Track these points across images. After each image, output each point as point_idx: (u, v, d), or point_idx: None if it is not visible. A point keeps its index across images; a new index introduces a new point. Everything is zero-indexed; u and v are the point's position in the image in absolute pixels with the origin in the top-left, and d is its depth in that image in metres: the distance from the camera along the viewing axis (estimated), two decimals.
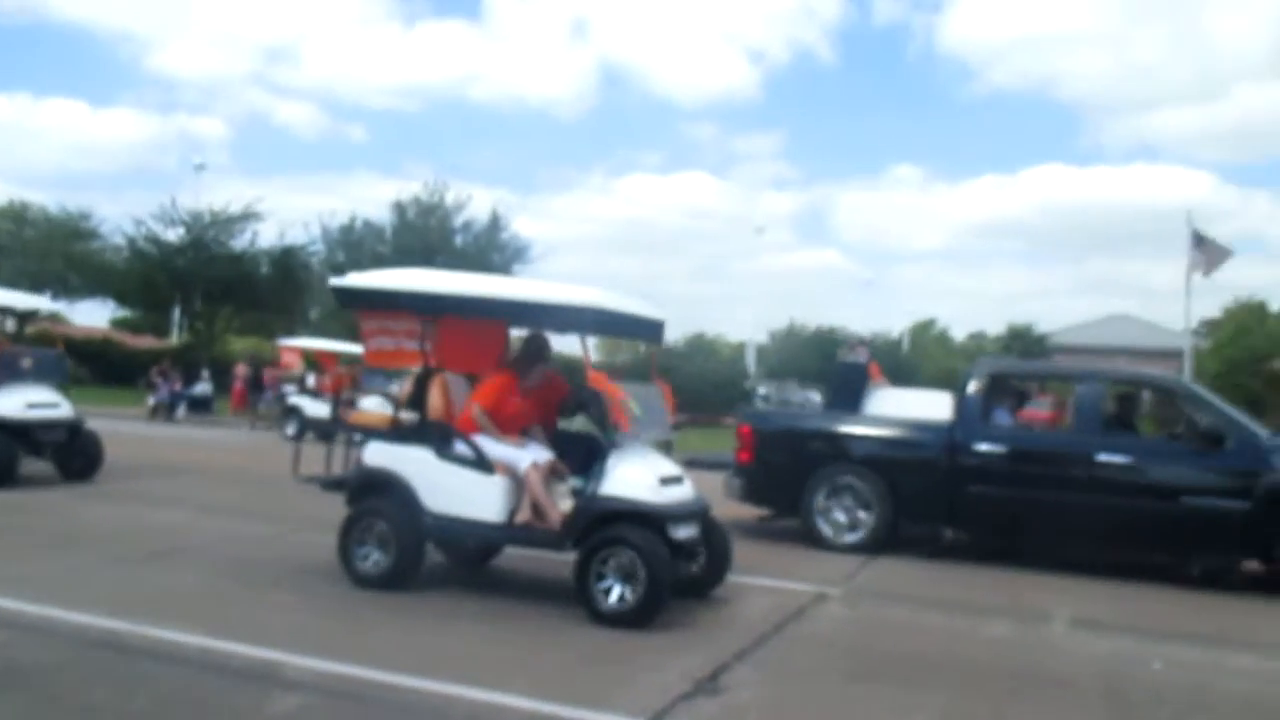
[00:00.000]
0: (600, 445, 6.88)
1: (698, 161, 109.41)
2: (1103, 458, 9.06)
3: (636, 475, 6.50)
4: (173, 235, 35.51)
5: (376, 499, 6.99)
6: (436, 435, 6.95)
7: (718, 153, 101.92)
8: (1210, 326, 35.35)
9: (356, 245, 35.99)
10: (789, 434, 10.58)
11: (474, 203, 37.25)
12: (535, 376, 7.16)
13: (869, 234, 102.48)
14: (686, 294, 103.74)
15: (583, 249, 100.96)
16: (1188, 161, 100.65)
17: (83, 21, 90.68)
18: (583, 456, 7.00)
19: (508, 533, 6.84)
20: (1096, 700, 5.53)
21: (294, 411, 22.22)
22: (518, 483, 6.74)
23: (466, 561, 7.86)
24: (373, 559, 6.91)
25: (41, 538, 8.44)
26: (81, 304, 45.26)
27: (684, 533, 6.59)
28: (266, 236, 37.06)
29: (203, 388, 29.78)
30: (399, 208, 35.92)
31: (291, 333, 40.66)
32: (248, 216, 36.15)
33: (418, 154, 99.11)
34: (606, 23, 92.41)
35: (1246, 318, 33.49)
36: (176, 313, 38.41)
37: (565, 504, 6.69)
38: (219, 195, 63.85)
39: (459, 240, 35.96)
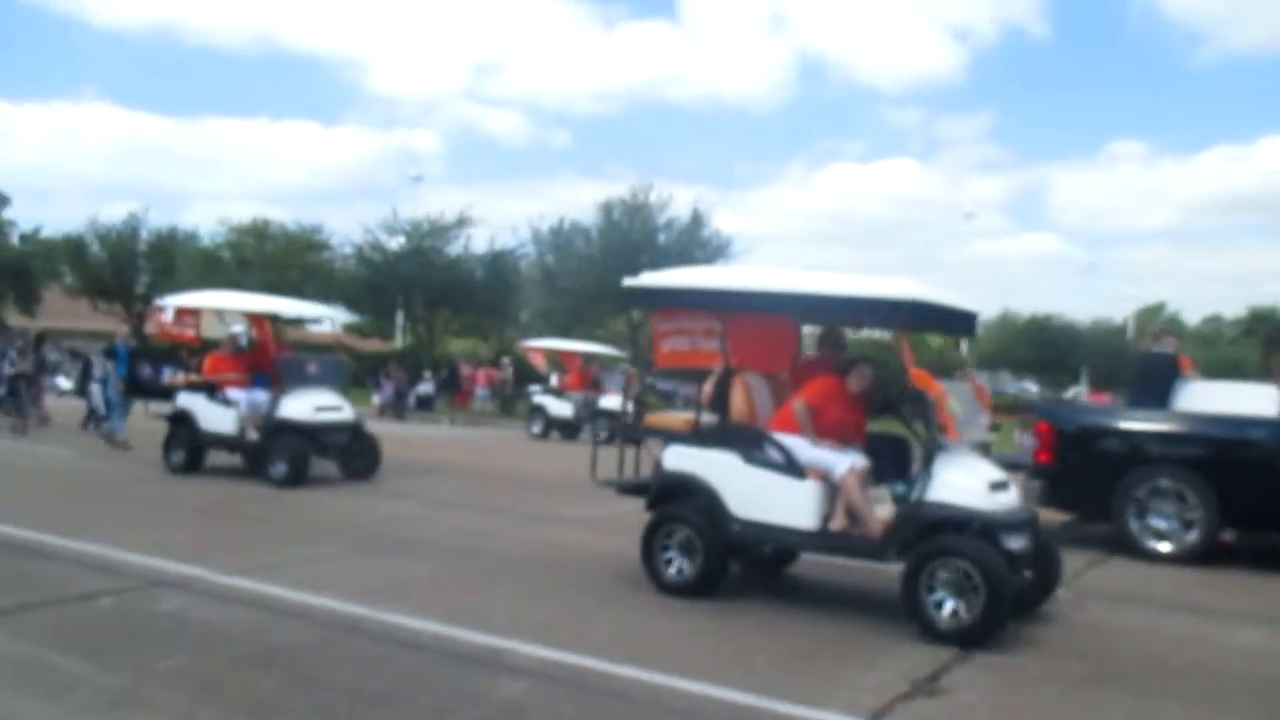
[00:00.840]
0: (909, 448, 6.70)
1: (902, 148, 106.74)
2: None
3: (965, 480, 6.09)
4: (394, 244, 37.65)
5: (680, 504, 6.80)
6: (743, 438, 6.71)
7: (923, 138, 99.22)
8: None
9: (565, 247, 37.06)
10: (1097, 432, 9.77)
11: (676, 201, 37.64)
12: (860, 379, 6.73)
13: (1088, 216, 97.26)
14: None
15: (786, 242, 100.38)
16: None
17: (311, 49, 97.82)
18: (892, 460, 6.72)
19: (822, 540, 6.48)
20: None
21: (539, 410, 22.96)
22: (831, 488, 6.41)
23: (762, 570, 7.59)
24: (677, 565, 6.73)
25: (302, 527, 9.17)
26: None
27: (1017, 543, 6.12)
28: (478, 242, 38.70)
29: (425, 387, 31.52)
30: (605, 209, 36.74)
31: (503, 333, 42.38)
32: (461, 223, 37.90)
33: (619, 156, 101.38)
34: (804, 13, 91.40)
35: None
36: (399, 317, 40.69)
37: (882, 510, 6.35)
38: (434, 204, 67.31)
39: (662, 239, 36.38)
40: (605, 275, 35.10)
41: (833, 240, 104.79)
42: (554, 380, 23.56)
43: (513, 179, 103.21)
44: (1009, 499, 6.24)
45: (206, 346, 13.25)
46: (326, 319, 15.60)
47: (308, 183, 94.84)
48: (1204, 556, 8.79)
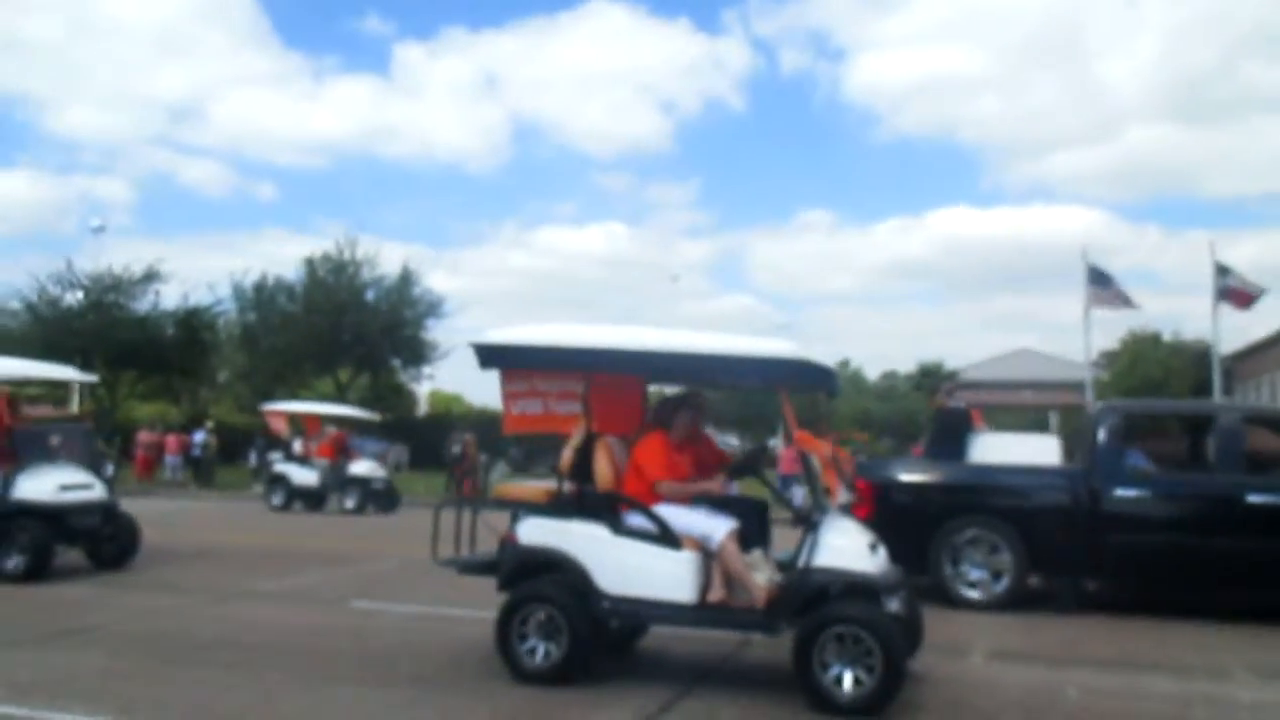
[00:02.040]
0: (766, 510, 6.61)
1: (612, 212, 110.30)
2: (1254, 499, 8.91)
3: (848, 543, 5.92)
4: (71, 299, 34.42)
5: (540, 583, 6.27)
6: (609, 508, 6.29)
7: (632, 202, 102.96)
8: (1109, 358, 36.63)
9: (268, 304, 35.33)
10: (910, 486, 10.02)
11: (385, 258, 36.99)
12: (682, 427, 6.56)
13: (782, 278, 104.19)
14: None
15: (498, 302, 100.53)
16: (1083, 200, 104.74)
17: None
18: (750, 523, 6.40)
19: (703, 614, 6.07)
20: None
21: (280, 480, 21.04)
22: (707, 557, 6.09)
23: (611, 647, 6.94)
24: (541, 650, 6.19)
25: None
26: None
27: (896, 604, 6.07)
28: (171, 298, 36.13)
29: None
30: (309, 265, 35.39)
31: (196, 396, 39.56)
32: (149, 277, 35.12)
33: (329, 211, 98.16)
34: (517, 76, 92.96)
35: (1141, 348, 34.82)
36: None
37: (760, 578, 6.02)
38: (121, 257, 62.30)
39: (370, 296, 35.53)
40: (309, 333, 33.83)
41: (546, 301, 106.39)
42: (297, 446, 21.80)
43: (212, 232, 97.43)
44: (883, 560, 6.13)
45: None
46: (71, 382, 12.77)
47: None
48: (1013, 602, 9.30)
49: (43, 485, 10.29)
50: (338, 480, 20.55)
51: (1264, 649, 8.05)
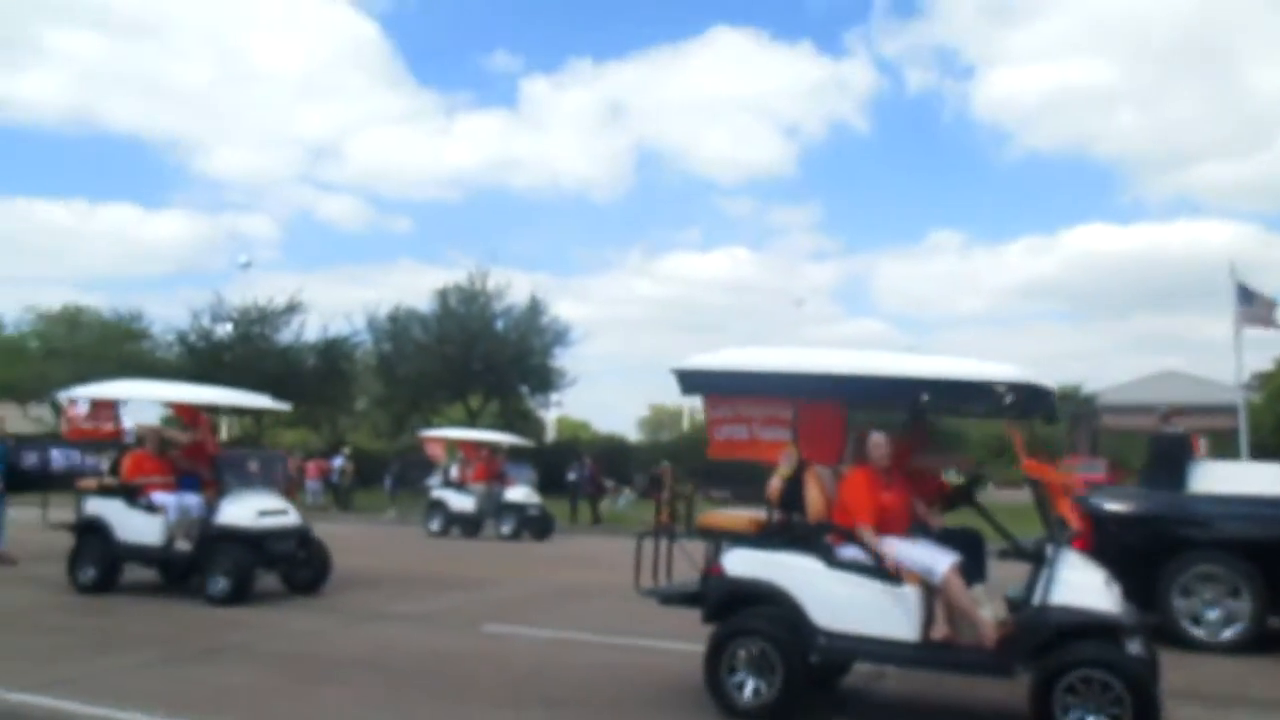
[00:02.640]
0: (982, 543, 6.25)
1: (735, 237, 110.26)
2: None
3: (1088, 580, 5.55)
4: (221, 331, 36.28)
5: (751, 616, 6.02)
6: (824, 539, 6.01)
7: (755, 227, 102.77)
8: (1262, 379, 34.48)
9: (401, 335, 36.54)
10: (1134, 517, 9.31)
11: (514, 288, 37.79)
12: (879, 455, 6.14)
13: (910, 301, 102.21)
14: None
15: (623, 329, 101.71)
16: (1230, 214, 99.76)
17: (134, 129, 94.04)
18: (966, 556, 5.99)
19: (924, 653, 5.75)
20: None
21: (438, 506, 21.13)
22: (929, 592, 5.78)
23: (820, 683, 6.60)
24: (751, 686, 5.91)
25: (107, 635, 8.52)
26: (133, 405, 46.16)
27: (1136, 647, 5.60)
28: (312, 330, 37.71)
29: None
30: (442, 296, 36.49)
31: (335, 423, 41.00)
32: (292, 309, 36.84)
33: (459, 243, 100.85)
34: (641, 105, 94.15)
35: None
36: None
37: (988, 615, 5.69)
38: (266, 290, 65.28)
39: (500, 325, 36.36)
40: (442, 362, 34.79)
41: (669, 326, 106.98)
42: (453, 472, 21.87)
43: (350, 265, 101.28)
44: (1119, 597, 5.70)
45: (121, 445, 11.82)
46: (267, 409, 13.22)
47: (126, 268, 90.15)
48: (1250, 644, 8.51)
49: (244, 511, 10.56)
50: (493, 506, 20.48)
51: None
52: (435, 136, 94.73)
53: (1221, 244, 79.03)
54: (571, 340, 37.57)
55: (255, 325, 36.42)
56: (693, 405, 66.04)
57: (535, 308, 36.51)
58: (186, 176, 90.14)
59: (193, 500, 10.82)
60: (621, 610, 6.41)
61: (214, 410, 12.22)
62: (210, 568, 10.27)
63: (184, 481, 11.09)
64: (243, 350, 35.40)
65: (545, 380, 37.43)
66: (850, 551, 5.93)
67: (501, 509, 20.40)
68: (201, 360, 35.55)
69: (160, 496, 10.79)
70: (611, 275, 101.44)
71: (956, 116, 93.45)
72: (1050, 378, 6.05)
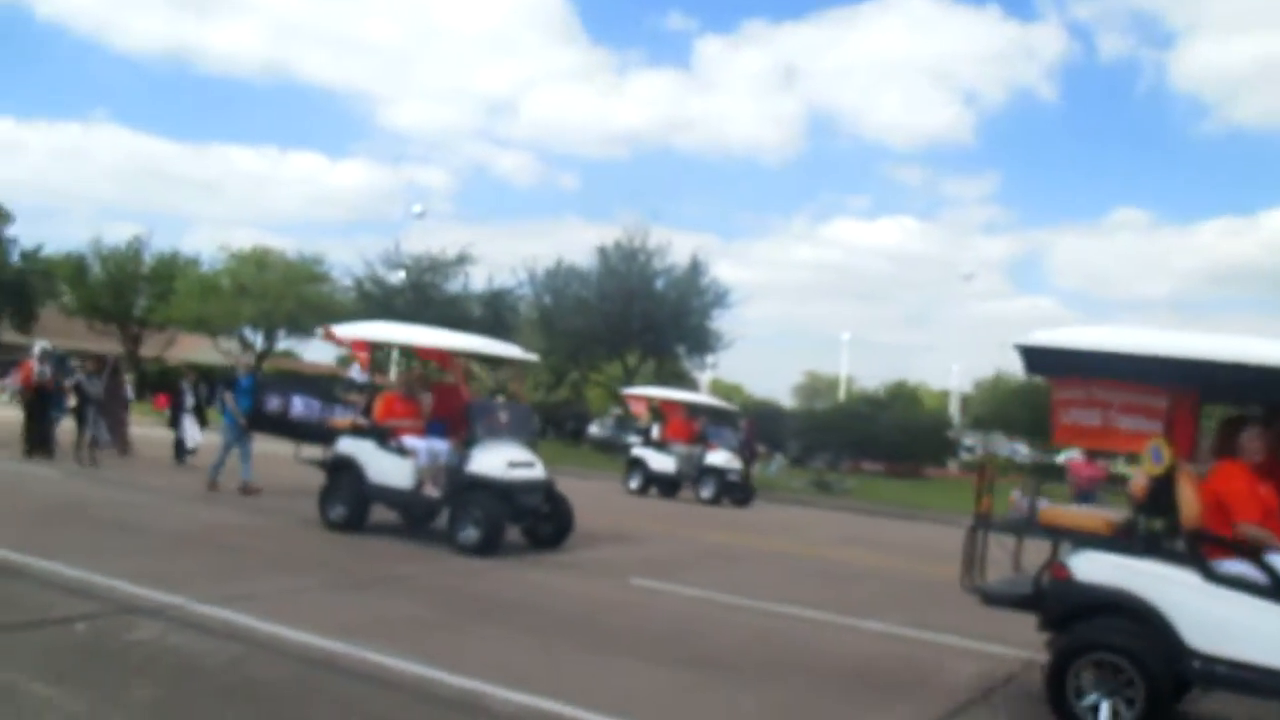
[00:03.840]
0: None
1: (905, 206, 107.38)
2: None
3: None
4: (394, 278, 37.76)
5: (1109, 629, 5.45)
6: (1200, 553, 5.36)
7: (926, 197, 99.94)
8: None
9: (561, 289, 37.18)
10: None
11: (675, 247, 37.84)
12: (1255, 447, 5.58)
13: (1087, 281, 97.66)
14: (892, 341, 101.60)
15: (785, 294, 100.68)
16: None
17: (324, 81, 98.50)
18: None
19: None
20: None
21: (638, 464, 20.95)
22: None
23: None
24: (1106, 710, 5.32)
25: (284, 557, 9.09)
26: (312, 342, 48.62)
27: None
28: (478, 280, 38.85)
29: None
30: (602, 252, 36.89)
31: (497, 373, 42.17)
32: (461, 260, 38.02)
33: (626, 201, 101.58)
34: (816, 67, 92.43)
35: None
36: (395, 352, 40.66)
37: None
38: (438, 241, 67.54)
39: (660, 285, 36.52)
40: (601, 319, 35.24)
41: (831, 293, 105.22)
42: (654, 432, 21.56)
43: (519, 220, 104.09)
44: None
45: (374, 387, 12.01)
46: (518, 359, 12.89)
47: (311, 213, 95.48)
48: None
49: (494, 460, 10.37)
50: (694, 468, 20.19)
51: None
52: (607, 94, 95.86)
53: None
54: (730, 303, 37.46)
55: (427, 273, 37.75)
56: (851, 374, 64.96)
57: (696, 268, 36.48)
58: (370, 128, 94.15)
59: (441, 446, 10.75)
60: (759, 576, 6.33)
61: (467, 356, 12.27)
62: (461, 517, 10.20)
63: (432, 427, 11.09)
64: (414, 297, 36.76)
65: (702, 341, 37.46)
66: (1234, 566, 5.29)
67: (703, 472, 20.11)
68: (374, 304, 37.15)
69: (411, 440, 10.78)
70: (775, 240, 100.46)
71: (1152, 87, 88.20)
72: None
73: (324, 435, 11.79)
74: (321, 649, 5.93)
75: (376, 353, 12.67)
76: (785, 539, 14.82)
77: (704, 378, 45.67)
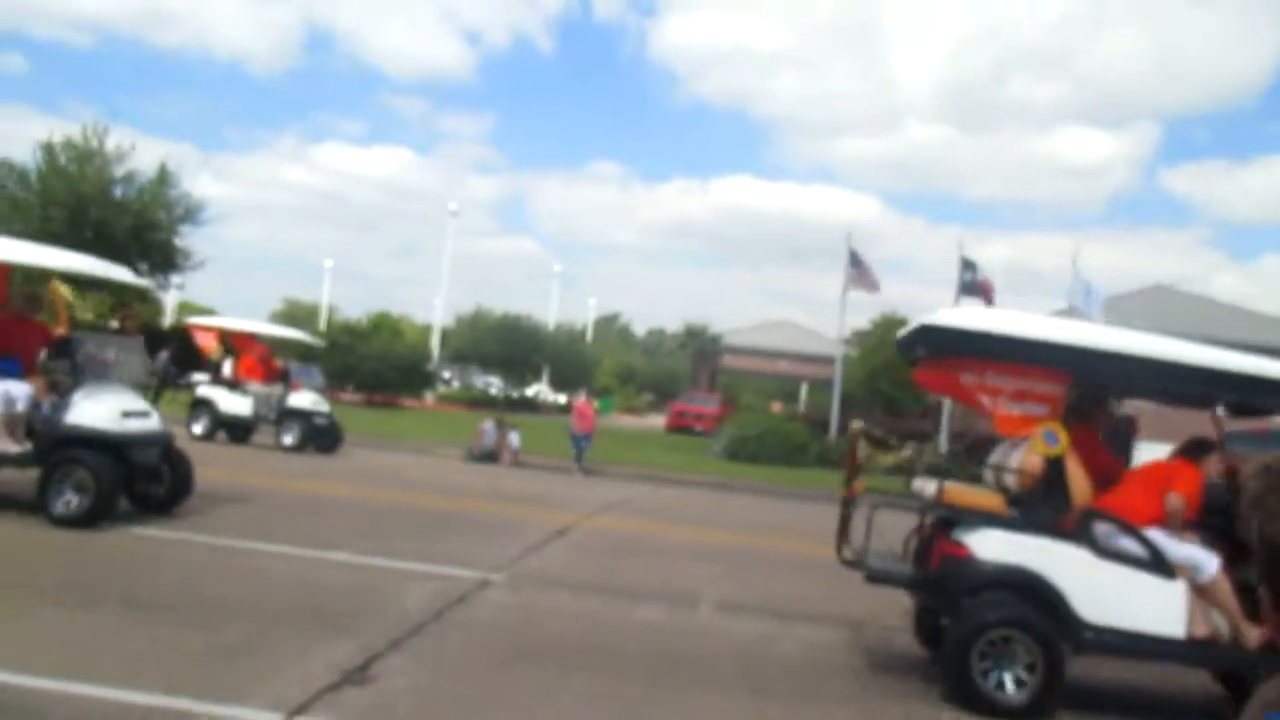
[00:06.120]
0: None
1: (401, 137, 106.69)
2: None
3: None
4: None
5: (1008, 606, 5.67)
6: (1094, 527, 5.75)
7: (423, 130, 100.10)
8: (860, 337, 38.98)
9: None
10: None
11: (142, 153, 34.18)
12: (1214, 467, 6.16)
13: (566, 225, 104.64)
14: (379, 273, 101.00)
15: (269, 216, 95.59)
16: (861, 186, 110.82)
17: None
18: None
19: (1187, 650, 5.70)
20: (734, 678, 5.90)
21: (204, 405, 18.16)
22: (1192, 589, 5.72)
23: None
24: (1011, 680, 5.57)
25: None
26: None
27: None
28: None
29: None
30: (48, 149, 32.20)
31: None
32: None
33: (87, 95, 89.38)
34: None
35: (889, 331, 37.19)
36: None
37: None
38: None
39: (119, 193, 32.78)
40: (43, 225, 30.87)
41: (318, 219, 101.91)
42: (226, 369, 18.94)
43: None
44: None
45: None
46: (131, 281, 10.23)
47: None
48: None
49: (103, 410, 8.45)
50: (273, 410, 18.16)
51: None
52: None
53: (850, 211, 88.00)
54: (204, 220, 34.67)
55: None
56: (333, 303, 63.51)
57: (164, 178, 33.26)
58: None
59: (21, 390, 8.41)
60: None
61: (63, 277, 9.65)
62: (56, 480, 8.22)
63: (3, 366, 8.54)
64: None
65: (169, 259, 34.31)
66: (1122, 542, 5.73)
67: (284, 415, 18.15)
68: None
69: None
70: (261, 157, 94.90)
71: (635, 52, 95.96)
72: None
73: None
74: None
75: None
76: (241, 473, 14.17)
77: (169, 299, 42.16)
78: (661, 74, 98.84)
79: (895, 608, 7.29)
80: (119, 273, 9.79)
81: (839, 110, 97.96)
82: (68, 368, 8.39)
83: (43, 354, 8.56)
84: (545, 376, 56.27)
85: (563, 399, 50.21)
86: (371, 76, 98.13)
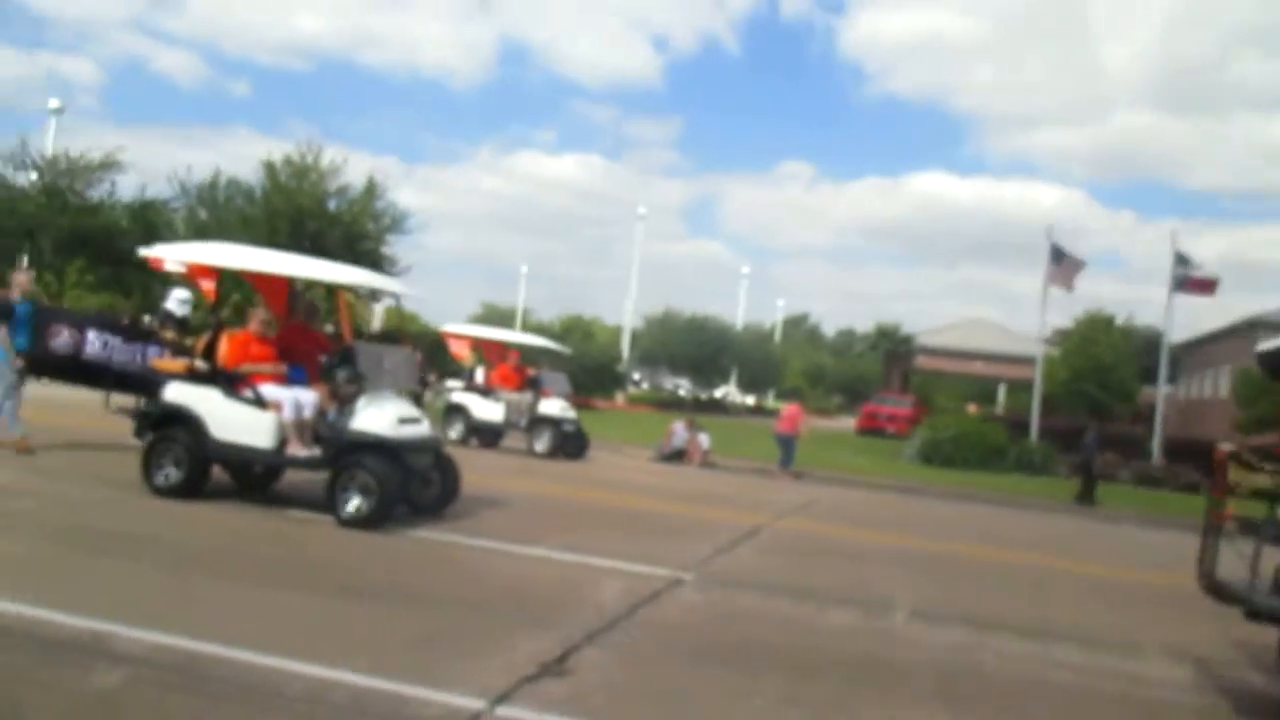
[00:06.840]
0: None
1: (591, 144, 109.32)
2: None
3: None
4: (24, 180, 33.53)
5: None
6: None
7: (612, 136, 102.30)
8: (1061, 336, 37.05)
9: (223, 204, 34.65)
10: None
11: (352, 168, 36.32)
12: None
13: (754, 228, 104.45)
14: (570, 275, 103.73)
15: (467, 223, 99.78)
16: (1063, 179, 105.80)
17: None
18: None
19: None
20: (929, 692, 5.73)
21: (458, 411, 18.82)
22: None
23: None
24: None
25: None
26: None
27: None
28: (128, 189, 35.41)
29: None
30: (269, 167, 34.68)
31: (149, 290, 38.85)
32: (107, 165, 34.38)
33: (304, 115, 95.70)
34: (510, 3, 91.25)
35: (1093, 330, 35.25)
36: (24, 263, 36.30)
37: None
38: (83, 141, 60.62)
39: (333, 205, 34.93)
40: (268, 238, 33.22)
41: (513, 225, 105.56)
42: (478, 376, 19.79)
43: (181, 125, 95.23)
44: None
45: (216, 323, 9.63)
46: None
47: None
48: None
49: (383, 416, 8.88)
50: (524, 417, 18.58)
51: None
52: None
53: (1051, 205, 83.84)
54: (408, 229, 36.63)
55: (64, 178, 33.82)
56: (529, 306, 65.39)
57: (371, 191, 35.24)
58: (4, 6, 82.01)
59: (308, 398, 9.08)
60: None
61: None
62: (346, 483, 8.65)
63: (293, 374, 9.30)
64: (46, 202, 32.88)
65: (377, 266, 36.32)
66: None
67: (535, 422, 18.53)
68: None
69: (271, 390, 9.01)
70: (460, 168, 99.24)
71: (823, 50, 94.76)
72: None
73: (129, 381, 10.38)
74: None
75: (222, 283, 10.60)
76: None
77: (378, 306, 44.50)
78: (851, 71, 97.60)
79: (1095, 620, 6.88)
80: (393, 285, 10.84)
81: (1039, 101, 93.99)
82: (351, 375, 8.88)
83: (325, 361, 9.36)
84: (733, 378, 56.21)
85: (750, 400, 50.03)
86: (563, 86, 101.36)
